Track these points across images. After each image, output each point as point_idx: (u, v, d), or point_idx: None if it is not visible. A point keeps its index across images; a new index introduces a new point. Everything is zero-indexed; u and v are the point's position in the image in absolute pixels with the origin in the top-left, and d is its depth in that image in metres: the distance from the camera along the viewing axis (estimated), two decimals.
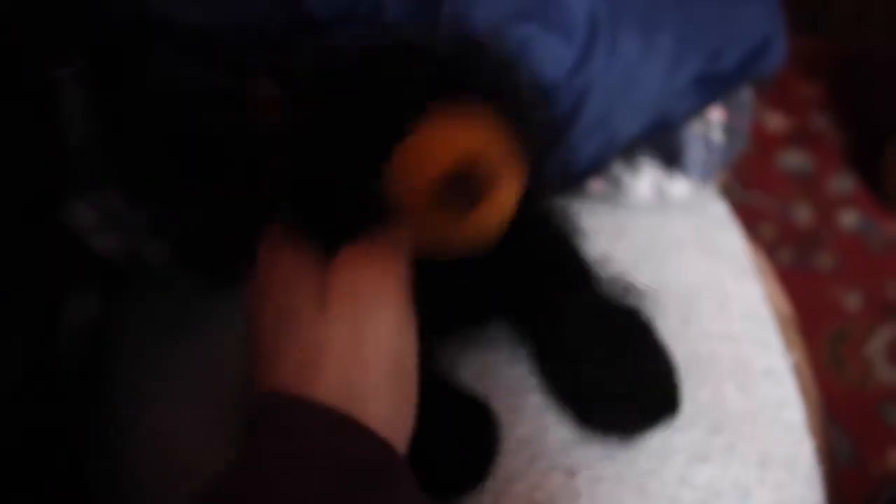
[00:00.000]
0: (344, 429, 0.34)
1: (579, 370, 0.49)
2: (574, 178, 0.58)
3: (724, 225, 0.62)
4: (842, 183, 1.45)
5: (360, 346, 0.36)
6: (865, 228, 1.39)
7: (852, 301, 1.30)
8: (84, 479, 0.48)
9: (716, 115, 0.58)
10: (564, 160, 0.54)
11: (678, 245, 0.59)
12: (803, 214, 1.40)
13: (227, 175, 0.40)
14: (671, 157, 0.57)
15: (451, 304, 0.44)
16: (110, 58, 0.40)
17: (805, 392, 0.59)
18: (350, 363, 0.36)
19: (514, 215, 0.38)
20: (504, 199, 0.37)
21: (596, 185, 0.58)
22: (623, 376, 0.48)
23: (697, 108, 0.56)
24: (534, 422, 0.50)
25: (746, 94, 0.60)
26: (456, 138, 0.35)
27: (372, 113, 0.36)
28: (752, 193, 1.41)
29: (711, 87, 0.56)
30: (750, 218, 1.38)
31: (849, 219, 1.40)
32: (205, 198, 0.42)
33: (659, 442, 0.50)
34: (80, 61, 0.40)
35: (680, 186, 0.57)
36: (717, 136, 0.58)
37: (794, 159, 1.48)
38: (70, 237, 0.44)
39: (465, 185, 0.35)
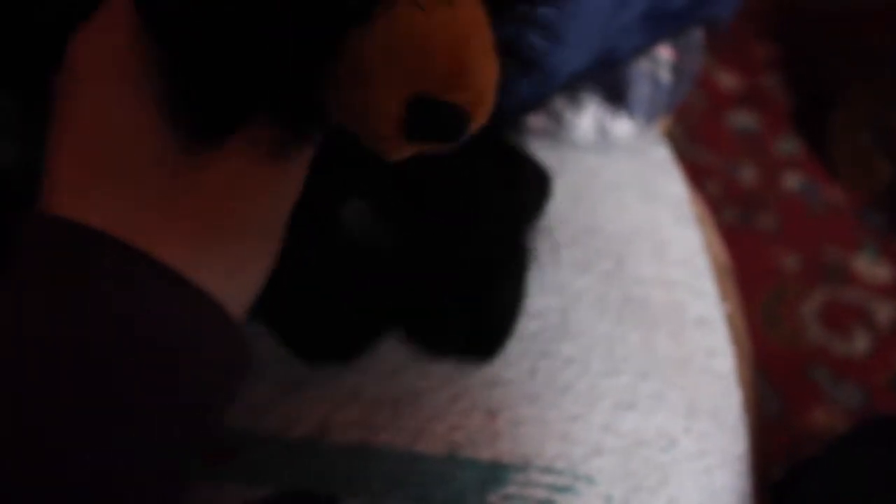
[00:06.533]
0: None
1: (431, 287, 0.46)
2: (513, 114, 0.55)
3: (665, 170, 0.61)
4: (788, 145, 1.45)
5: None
6: (808, 192, 1.40)
7: (791, 262, 1.31)
8: None
9: (664, 53, 0.56)
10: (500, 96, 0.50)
11: (617, 186, 0.57)
12: (748, 174, 1.40)
13: None
14: (616, 95, 0.54)
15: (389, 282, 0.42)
16: None
17: (737, 343, 0.58)
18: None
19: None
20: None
21: (536, 120, 0.55)
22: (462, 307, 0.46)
23: (645, 46, 0.54)
24: None
25: (697, 37, 0.58)
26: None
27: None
28: (700, 150, 1.40)
29: (660, 25, 0.54)
30: (696, 174, 1.38)
31: (792, 181, 1.41)
32: None
33: (585, 386, 0.49)
34: None
35: (623, 125, 0.55)
36: (665, 75, 0.55)
37: (743, 119, 1.48)
38: None
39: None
